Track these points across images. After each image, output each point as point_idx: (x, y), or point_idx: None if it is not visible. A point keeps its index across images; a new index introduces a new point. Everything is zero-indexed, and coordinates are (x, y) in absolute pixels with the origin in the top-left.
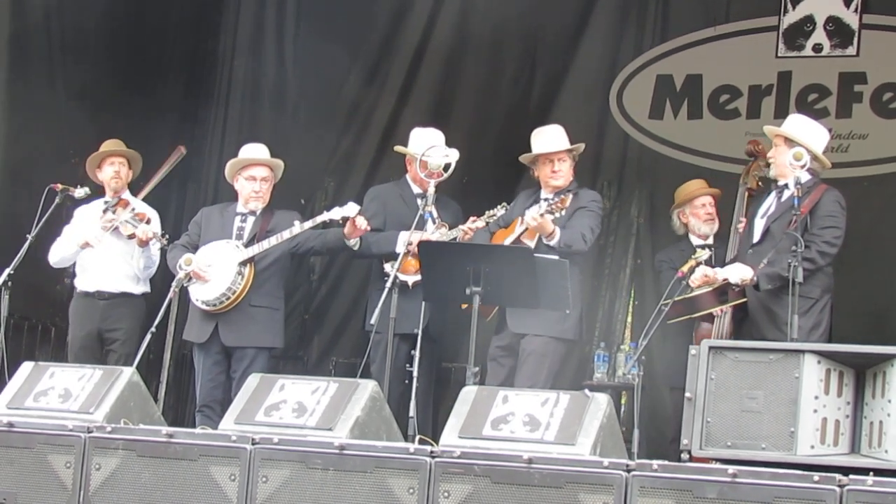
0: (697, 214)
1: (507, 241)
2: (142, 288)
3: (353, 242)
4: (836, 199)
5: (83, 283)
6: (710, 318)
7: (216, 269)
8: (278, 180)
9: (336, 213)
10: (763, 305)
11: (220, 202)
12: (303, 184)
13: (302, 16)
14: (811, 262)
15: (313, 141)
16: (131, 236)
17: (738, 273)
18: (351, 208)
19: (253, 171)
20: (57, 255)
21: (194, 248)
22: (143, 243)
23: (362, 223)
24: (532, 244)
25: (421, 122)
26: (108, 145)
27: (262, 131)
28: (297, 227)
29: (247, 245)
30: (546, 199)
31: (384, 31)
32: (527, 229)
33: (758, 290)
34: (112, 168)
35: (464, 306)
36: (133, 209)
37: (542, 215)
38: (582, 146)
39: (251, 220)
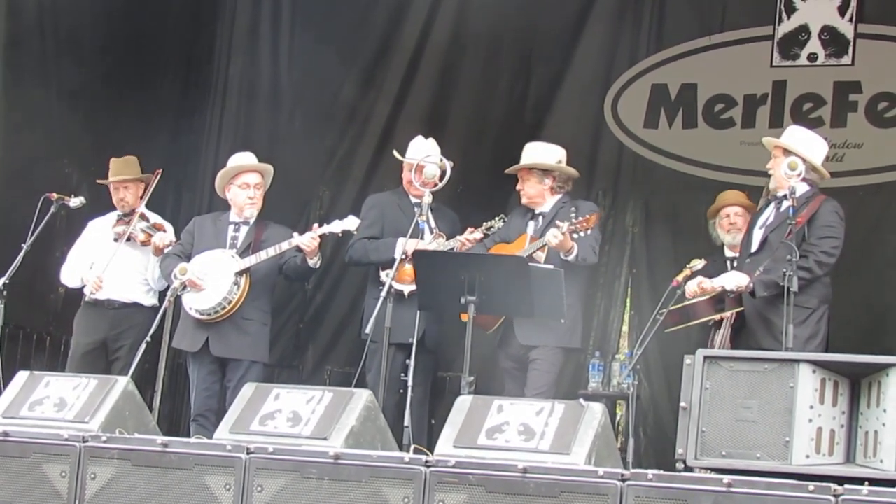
0: (722, 224)
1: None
2: (151, 300)
3: (314, 262)
4: (835, 209)
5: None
6: (717, 326)
7: (212, 279)
8: (269, 188)
9: (336, 227)
10: (760, 314)
11: (215, 210)
12: (298, 192)
13: (297, 22)
14: (809, 272)
15: (309, 148)
16: (145, 243)
17: (734, 280)
18: (351, 221)
19: (245, 178)
20: (69, 279)
21: (187, 258)
22: (159, 251)
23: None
24: (543, 257)
25: (416, 131)
26: (115, 170)
27: (258, 138)
28: (296, 239)
29: (241, 255)
30: (569, 220)
31: (379, 38)
32: (541, 246)
33: (753, 297)
34: (117, 194)
35: (465, 318)
36: (147, 219)
37: (564, 233)
38: (555, 165)
39: (244, 229)
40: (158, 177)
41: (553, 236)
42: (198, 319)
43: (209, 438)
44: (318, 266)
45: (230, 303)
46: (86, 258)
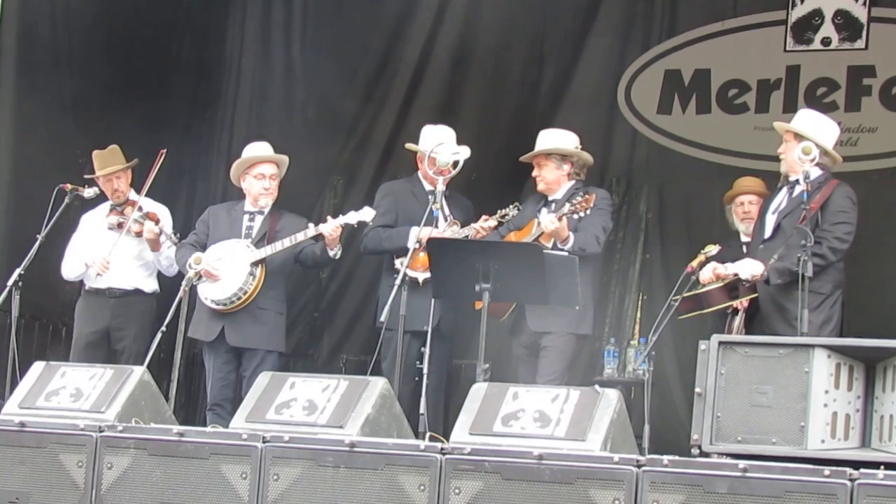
0: (736, 212)
1: None
2: (152, 286)
3: (334, 252)
4: (847, 194)
5: (93, 280)
6: (735, 313)
7: (228, 269)
8: (283, 176)
9: (352, 218)
10: (774, 300)
11: (229, 200)
12: (312, 180)
13: (309, 14)
14: (822, 258)
15: (322, 139)
16: (139, 234)
17: (749, 268)
18: (367, 213)
19: (260, 168)
20: (70, 272)
21: (202, 247)
22: (155, 245)
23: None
24: (550, 244)
25: (430, 119)
26: (101, 163)
27: (271, 129)
28: (312, 230)
29: (256, 244)
30: (568, 201)
31: (392, 29)
32: (543, 233)
33: (768, 285)
34: (110, 185)
35: (478, 306)
36: (141, 208)
37: (560, 218)
38: (572, 151)
39: (259, 219)
40: (162, 158)
41: (550, 222)
42: (213, 309)
43: (225, 427)
44: (338, 256)
45: (246, 293)
46: (83, 251)
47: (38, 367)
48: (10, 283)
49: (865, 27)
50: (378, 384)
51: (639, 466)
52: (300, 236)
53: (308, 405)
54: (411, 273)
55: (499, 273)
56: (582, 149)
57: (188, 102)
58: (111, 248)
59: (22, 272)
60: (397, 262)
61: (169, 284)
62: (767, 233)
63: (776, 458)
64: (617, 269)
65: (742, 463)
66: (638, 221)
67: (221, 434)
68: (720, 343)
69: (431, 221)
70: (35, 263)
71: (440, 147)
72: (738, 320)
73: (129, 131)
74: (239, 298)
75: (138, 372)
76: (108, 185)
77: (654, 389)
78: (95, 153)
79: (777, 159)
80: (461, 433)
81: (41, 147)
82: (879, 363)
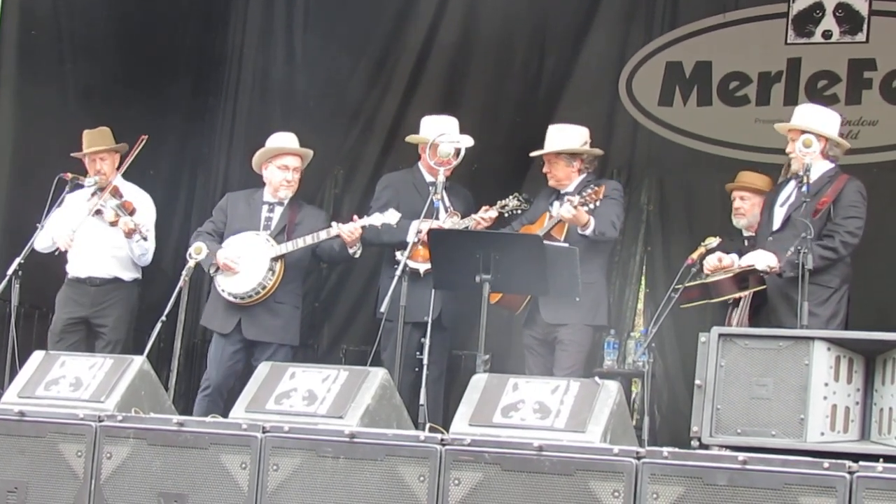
0: (732, 207)
1: None
2: (132, 274)
3: (354, 250)
4: (859, 188)
5: (74, 269)
6: (735, 304)
7: (246, 263)
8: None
9: (377, 220)
10: (782, 292)
11: (229, 191)
12: (313, 170)
13: (311, 7)
14: (833, 252)
15: (323, 129)
16: (114, 224)
17: (764, 260)
18: (392, 215)
19: (284, 160)
20: (39, 243)
21: (219, 236)
22: (127, 235)
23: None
24: (562, 238)
25: (432, 109)
26: (88, 142)
27: (272, 120)
28: (335, 230)
29: (275, 237)
30: (579, 193)
31: (393, 21)
32: (557, 223)
33: (781, 277)
34: (93, 167)
35: (493, 299)
36: (122, 196)
37: (576, 207)
38: (579, 147)
39: (279, 210)
40: (142, 144)
41: (566, 211)
42: (230, 301)
43: (219, 412)
44: (357, 255)
45: (265, 288)
46: (56, 226)
47: (37, 356)
48: (10, 272)
49: (866, 20)
50: (378, 375)
51: (638, 458)
52: (322, 234)
53: (308, 395)
54: (412, 264)
55: (499, 264)
56: (591, 143)
57: (191, 91)
58: (77, 227)
59: (22, 261)
60: (398, 254)
61: (173, 272)
62: (776, 225)
63: (776, 451)
64: (618, 261)
65: (742, 455)
66: (639, 213)
67: (221, 424)
68: (720, 335)
69: (432, 212)
70: (35, 252)
71: (442, 136)
72: (739, 312)
73: (132, 120)
74: (258, 293)
75: (138, 362)
76: (92, 164)
77: (654, 381)
78: (85, 132)
79: (778, 152)
80: (461, 424)
81: (43, 135)
82: (879, 356)
